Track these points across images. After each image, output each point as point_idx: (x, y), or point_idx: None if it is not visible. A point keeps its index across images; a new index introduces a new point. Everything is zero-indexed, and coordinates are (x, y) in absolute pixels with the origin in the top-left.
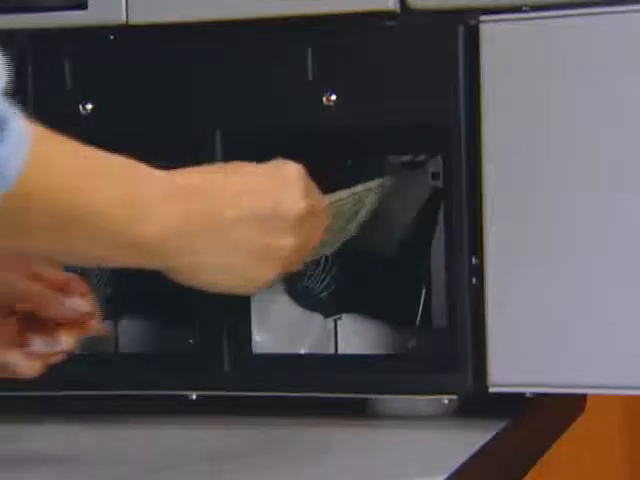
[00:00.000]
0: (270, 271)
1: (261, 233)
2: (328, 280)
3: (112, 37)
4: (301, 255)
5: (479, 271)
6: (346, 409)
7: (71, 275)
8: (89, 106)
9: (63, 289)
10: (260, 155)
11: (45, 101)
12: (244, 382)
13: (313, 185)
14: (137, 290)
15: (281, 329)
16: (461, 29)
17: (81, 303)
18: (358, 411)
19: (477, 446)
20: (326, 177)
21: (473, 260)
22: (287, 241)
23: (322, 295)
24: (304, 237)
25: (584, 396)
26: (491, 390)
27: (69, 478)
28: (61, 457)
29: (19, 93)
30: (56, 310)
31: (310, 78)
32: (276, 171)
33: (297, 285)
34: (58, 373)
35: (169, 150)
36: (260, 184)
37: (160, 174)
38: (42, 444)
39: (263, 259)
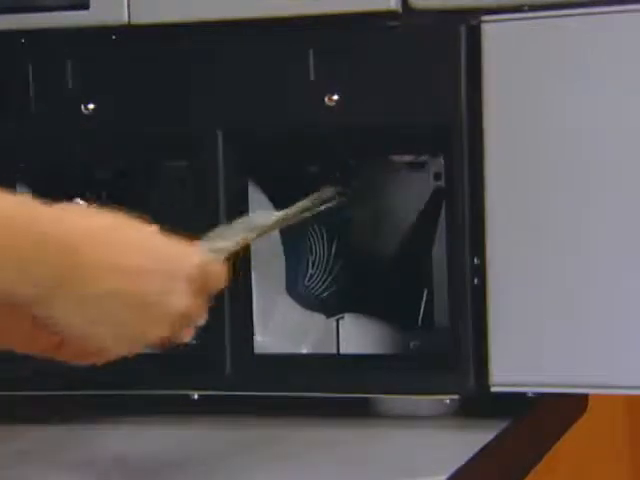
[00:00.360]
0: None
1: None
2: (330, 280)
3: (114, 37)
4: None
5: (481, 271)
6: (348, 409)
7: None
8: (91, 106)
9: None
10: (261, 155)
11: (47, 101)
12: (246, 382)
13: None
14: None
15: (283, 329)
16: (463, 29)
17: None
18: (360, 411)
19: (478, 446)
20: (329, 177)
21: (475, 260)
22: (159, 330)
23: (324, 295)
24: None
25: (586, 396)
26: (493, 390)
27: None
28: (60, 457)
29: (21, 93)
30: None
31: (312, 78)
32: (172, 260)
33: (299, 285)
34: (60, 373)
35: (171, 150)
36: (148, 266)
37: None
38: (41, 445)
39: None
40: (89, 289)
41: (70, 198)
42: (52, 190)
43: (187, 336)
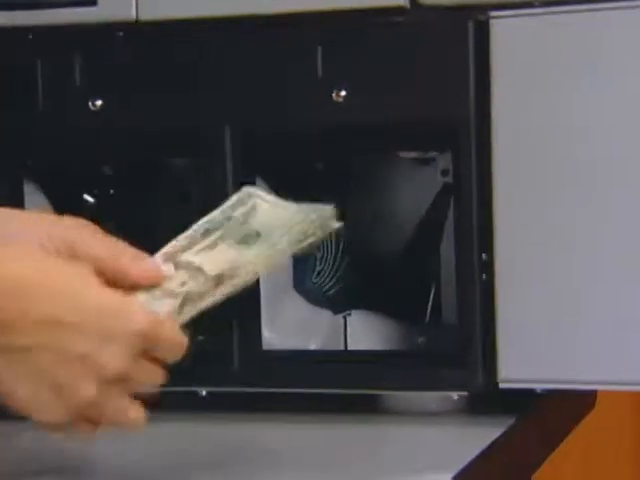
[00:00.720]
0: (57, 411)
1: (57, 369)
2: (337, 276)
3: (121, 34)
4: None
5: (489, 267)
6: (355, 405)
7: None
8: (98, 102)
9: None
10: (269, 152)
11: (55, 97)
12: (253, 378)
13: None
14: None
15: (290, 325)
16: (471, 25)
17: None
18: (367, 408)
19: (486, 442)
20: (334, 174)
21: (483, 256)
22: (86, 390)
23: (331, 291)
24: (112, 396)
25: (594, 392)
26: (501, 386)
27: (76, 476)
28: (64, 454)
29: (29, 90)
30: None
31: (320, 74)
32: (109, 315)
33: (306, 281)
34: None
35: (179, 147)
36: (79, 320)
37: None
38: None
39: (54, 393)
40: (15, 342)
41: (77, 195)
42: (59, 187)
43: (124, 403)
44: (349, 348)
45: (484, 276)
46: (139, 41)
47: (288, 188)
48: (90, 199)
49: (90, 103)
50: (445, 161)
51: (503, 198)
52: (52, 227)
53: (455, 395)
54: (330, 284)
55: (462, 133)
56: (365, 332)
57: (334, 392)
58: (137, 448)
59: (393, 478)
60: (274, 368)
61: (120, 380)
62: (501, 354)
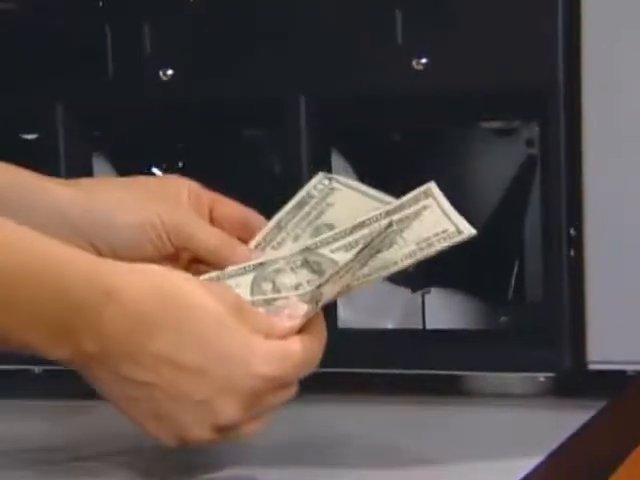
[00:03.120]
0: (164, 437)
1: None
2: None
3: (191, 0)
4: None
5: (577, 243)
6: (434, 387)
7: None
8: (169, 72)
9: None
10: (345, 122)
11: (125, 67)
12: (329, 358)
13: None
14: None
15: (367, 303)
16: None
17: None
18: (447, 389)
19: (574, 427)
20: (412, 145)
21: (571, 231)
22: (198, 433)
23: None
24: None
25: None
26: (590, 367)
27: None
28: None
29: (98, 60)
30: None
31: (399, 41)
32: (234, 364)
33: None
34: None
35: (252, 116)
36: (205, 369)
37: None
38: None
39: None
40: (131, 372)
41: (145, 167)
42: (127, 159)
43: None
44: (427, 327)
45: (572, 252)
46: (210, 8)
47: (364, 160)
48: (158, 172)
49: (161, 72)
50: (530, 131)
51: (593, 170)
52: (163, 210)
53: (541, 377)
54: None
55: (551, 101)
56: (444, 310)
57: (412, 373)
58: None
59: (477, 464)
60: (350, 347)
61: (232, 426)
62: (590, 334)
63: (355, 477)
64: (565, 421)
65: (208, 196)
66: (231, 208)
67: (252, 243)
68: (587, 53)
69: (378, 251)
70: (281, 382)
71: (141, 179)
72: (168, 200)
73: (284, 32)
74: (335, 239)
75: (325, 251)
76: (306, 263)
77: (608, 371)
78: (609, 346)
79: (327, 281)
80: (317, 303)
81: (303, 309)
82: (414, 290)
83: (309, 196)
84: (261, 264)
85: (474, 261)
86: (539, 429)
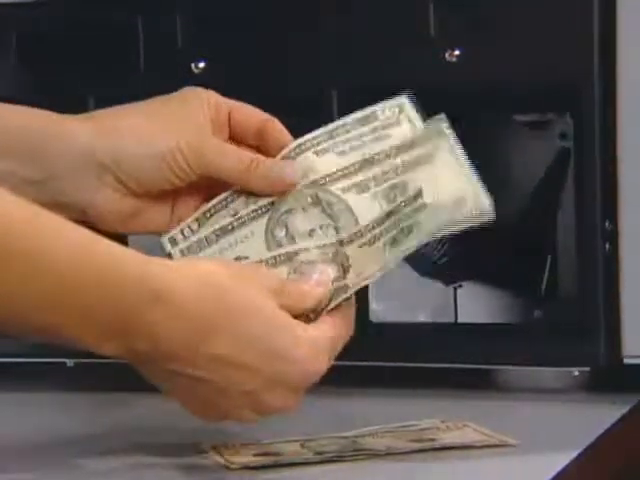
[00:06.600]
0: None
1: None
2: (448, 246)
3: None
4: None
5: (613, 236)
6: (468, 380)
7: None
8: (202, 64)
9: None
10: None
11: (156, 60)
12: (362, 351)
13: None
14: None
15: (399, 297)
16: None
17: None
18: (480, 383)
19: (608, 423)
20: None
21: (607, 225)
22: (246, 417)
23: (441, 262)
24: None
25: None
26: (626, 362)
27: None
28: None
29: (130, 53)
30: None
31: (432, 33)
32: (283, 362)
33: (415, 251)
34: None
35: (285, 108)
36: (255, 364)
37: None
38: (154, 411)
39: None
40: (179, 369)
41: None
42: None
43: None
44: (459, 321)
45: (607, 246)
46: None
47: None
48: None
49: (193, 65)
50: (563, 124)
51: (629, 162)
52: (182, 136)
53: (576, 371)
54: (440, 254)
55: (585, 93)
56: (476, 304)
57: (444, 366)
58: None
59: (510, 459)
60: (383, 341)
61: (275, 412)
62: (626, 327)
63: (387, 469)
64: (599, 416)
65: (227, 105)
66: (248, 115)
67: (296, 142)
68: (622, 45)
69: (402, 230)
70: (322, 373)
71: (157, 101)
72: (187, 120)
73: (317, 24)
74: (344, 175)
75: (336, 189)
76: (317, 201)
77: None
78: None
79: (351, 241)
80: (345, 272)
81: (330, 275)
82: (446, 284)
83: (374, 117)
84: (272, 203)
85: (507, 255)
86: (573, 424)
